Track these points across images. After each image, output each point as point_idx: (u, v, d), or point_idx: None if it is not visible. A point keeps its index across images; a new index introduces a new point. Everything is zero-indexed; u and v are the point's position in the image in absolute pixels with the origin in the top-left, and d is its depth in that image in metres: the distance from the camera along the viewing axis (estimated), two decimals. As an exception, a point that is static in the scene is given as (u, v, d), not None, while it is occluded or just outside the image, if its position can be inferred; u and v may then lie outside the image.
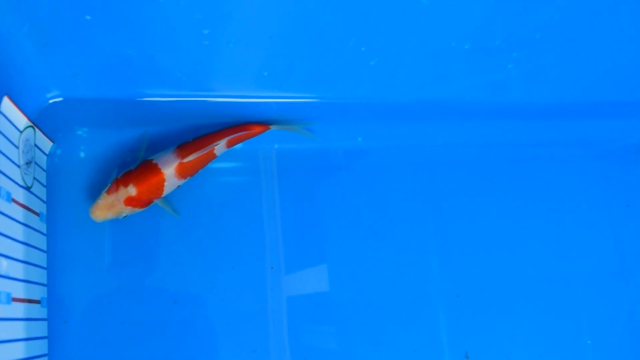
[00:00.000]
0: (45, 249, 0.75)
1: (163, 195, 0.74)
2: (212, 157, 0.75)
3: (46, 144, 0.76)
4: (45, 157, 0.77)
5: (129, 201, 0.71)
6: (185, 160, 0.73)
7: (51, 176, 0.78)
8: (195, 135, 0.76)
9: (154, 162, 0.72)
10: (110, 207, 0.71)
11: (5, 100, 0.66)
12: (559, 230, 0.91)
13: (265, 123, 0.78)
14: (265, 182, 0.83)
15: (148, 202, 0.73)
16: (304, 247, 0.82)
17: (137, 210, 0.73)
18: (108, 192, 0.72)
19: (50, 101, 0.72)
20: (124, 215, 0.73)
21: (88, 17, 0.60)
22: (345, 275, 0.82)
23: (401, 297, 0.83)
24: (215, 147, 0.74)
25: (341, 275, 0.82)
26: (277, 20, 0.64)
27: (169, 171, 0.72)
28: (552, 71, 0.81)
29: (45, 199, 0.76)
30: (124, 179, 0.72)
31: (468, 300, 0.85)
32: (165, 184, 0.72)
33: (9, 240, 0.64)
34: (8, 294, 0.63)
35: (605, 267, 0.92)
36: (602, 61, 0.81)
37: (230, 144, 0.76)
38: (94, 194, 0.78)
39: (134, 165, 0.73)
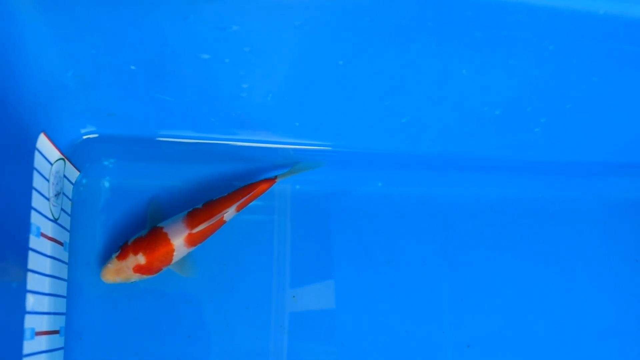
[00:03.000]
0: (66, 277, 0.75)
1: (172, 263, 0.74)
2: (221, 223, 0.75)
3: (73, 174, 0.77)
4: (71, 186, 0.77)
5: (138, 269, 0.72)
6: (195, 230, 0.73)
7: (75, 205, 0.78)
8: (218, 177, 0.77)
9: (164, 230, 0.73)
10: (119, 272, 0.72)
11: (42, 136, 0.66)
12: (571, 284, 0.93)
13: (270, 177, 0.78)
14: (282, 221, 0.84)
15: (157, 270, 0.74)
16: (315, 291, 0.83)
17: (146, 277, 0.74)
18: (119, 257, 0.72)
19: (84, 137, 0.72)
20: (132, 280, 0.73)
21: (133, 67, 0.61)
22: (355, 321, 0.83)
23: (411, 346, 0.84)
24: (225, 215, 0.75)
25: (351, 320, 0.83)
26: (318, 79, 0.64)
27: (178, 242, 0.73)
28: (576, 134, 0.82)
29: (69, 228, 0.77)
30: (134, 246, 0.72)
31: (478, 352, 0.86)
32: (175, 253, 0.73)
33: (37, 276, 0.65)
34: (32, 330, 0.64)
35: (614, 321, 0.93)
36: (622, 128, 0.83)
37: (239, 208, 0.77)
38: (116, 225, 0.79)
39: (145, 231, 0.74)
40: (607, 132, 0.82)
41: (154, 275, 0.75)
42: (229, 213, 0.75)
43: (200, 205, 0.76)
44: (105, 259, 0.76)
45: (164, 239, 0.73)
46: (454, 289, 0.88)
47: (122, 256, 0.73)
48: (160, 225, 0.74)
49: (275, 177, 0.78)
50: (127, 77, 0.63)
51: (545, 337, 0.90)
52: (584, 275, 0.94)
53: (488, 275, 0.90)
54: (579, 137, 0.82)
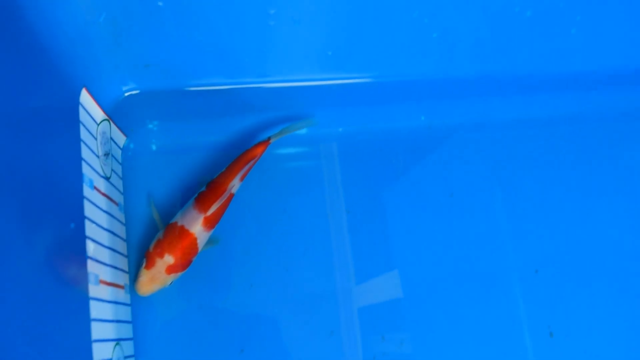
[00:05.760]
0: (125, 237, 0.77)
1: (200, 250, 0.75)
2: (231, 197, 0.76)
3: (120, 138, 0.79)
4: (120, 151, 0.80)
5: (170, 269, 0.72)
6: (209, 213, 0.74)
7: (126, 169, 0.80)
8: (259, 126, 0.78)
9: (179, 224, 0.73)
10: (154, 280, 0.72)
11: (84, 92, 0.68)
12: (633, 200, 0.89)
13: (264, 140, 0.78)
14: (330, 166, 0.84)
15: (189, 263, 0.74)
16: (371, 234, 0.82)
17: (181, 273, 0.74)
18: (147, 267, 0.72)
19: (126, 94, 0.74)
20: (169, 283, 0.73)
21: (160, 4, 0.62)
22: (414, 260, 0.82)
23: (476, 279, 0.82)
24: (232, 189, 0.75)
25: (411, 253, 0.82)
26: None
27: (198, 229, 0.73)
28: (615, 35, 0.79)
29: (122, 191, 0.78)
30: (157, 250, 0.72)
31: (546, 276, 0.83)
32: (198, 241, 0.73)
33: (94, 225, 0.67)
34: (96, 275, 0.66)
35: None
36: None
37: (242, 178, 0.77)
38: (167, 186, 0.80)
39: (161, 232, 0.74)
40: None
41: (188, 268, 0.75)
42: (235, 185, 0.76)
43: (204, 187, 0.76)
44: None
45: (183, 231, 0.73)
46: (512, 216, 0.86)
47: (150, 264, 0.72)
48: (173, 220, 0.75)
49: (269, 138, 0.78)
50: (155, 17, 0.64)
51: (614, 255, 0.87)
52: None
53: (547, 199, 0.88)
54: (618, 37, 0.79)
